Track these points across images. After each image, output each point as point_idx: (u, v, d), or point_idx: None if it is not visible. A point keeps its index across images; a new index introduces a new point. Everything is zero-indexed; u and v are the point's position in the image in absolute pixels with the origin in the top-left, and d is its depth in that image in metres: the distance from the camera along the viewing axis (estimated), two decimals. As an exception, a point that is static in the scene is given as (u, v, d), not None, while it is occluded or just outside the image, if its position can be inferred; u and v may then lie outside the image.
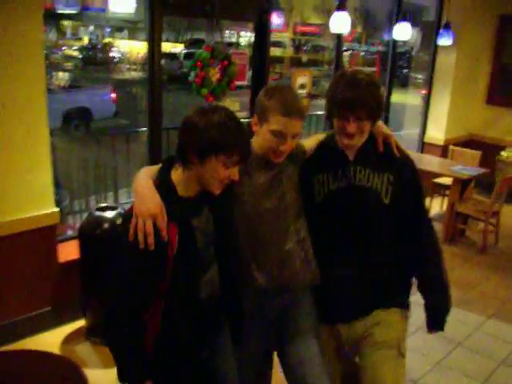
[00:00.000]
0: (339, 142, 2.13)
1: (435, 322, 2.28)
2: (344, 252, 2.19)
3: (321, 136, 2.30)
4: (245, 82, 4.86)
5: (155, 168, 1.91)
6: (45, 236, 3.54)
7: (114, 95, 11.93)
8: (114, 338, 1.85)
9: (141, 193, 1.78)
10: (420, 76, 18.52)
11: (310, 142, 2.28)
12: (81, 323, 3.72)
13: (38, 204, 3.47)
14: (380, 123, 2.20)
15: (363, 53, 24.69)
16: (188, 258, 1.80)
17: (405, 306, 2.28)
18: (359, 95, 1.99)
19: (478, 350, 3.78)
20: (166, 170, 1.84)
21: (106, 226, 3.36)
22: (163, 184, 1.81)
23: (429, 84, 7.26)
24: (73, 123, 10.99)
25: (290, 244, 2.11)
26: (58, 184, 5.03)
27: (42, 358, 2.37)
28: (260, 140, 2.04)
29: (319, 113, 7.16)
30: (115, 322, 1.83)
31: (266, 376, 2.38)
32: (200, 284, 1.89)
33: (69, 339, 3.60)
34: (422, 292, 2.27)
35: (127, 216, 1.78)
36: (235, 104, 4.71)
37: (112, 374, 3.03)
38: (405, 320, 2.27)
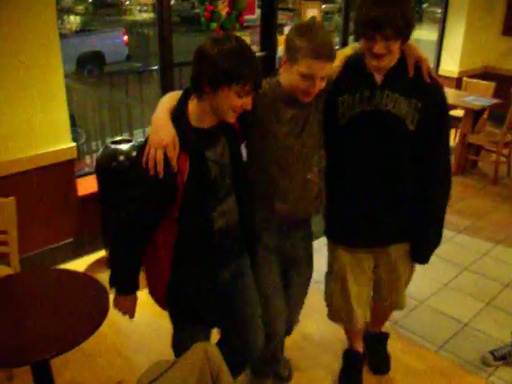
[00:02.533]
0: (368, 64, 2.07)
1: (420, 256, 2.42)
2: (364, 179, 2.22)
3: (348, 52, 2.23)
4: (254, 16, 4.83)
5: (178, 95, 1.94)
6: (64, 170, 3.68)
7: (125, 38, 11.84)
8: (113, 245, 2.05)
9: (156, 123, 1.86)
10: (439, 10, 17.85)
11: (335, 63, 2.17)
12: (101, 253, 3.90)
13: (56, 140, 3.59)
14: (413, 45, 2.11)
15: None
16: (200, 187, 1.88)
17: None
18: (385, 12, 1.88)
19: (485, 274, 3.90)
20: (184, 101, 1.88)
21: (121, 158, 3.47)
22: (178, 115, 1.86)
23: (443, 15, 7.11)
24: (86, 68, 10.98)
25: (310, 173, 2.17)
26: (74, 124, 5.14)
27: (70, 275, 2.55)
28: (289, 79, 2.01)
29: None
30: (118, 231, 1.98)
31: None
32: (214, 213, 1.96)
33: (90, 268, 3.78)
34: (417, 226, 2.33)
35: (141, 146, 1.87)
36: (245, 38, 4.69)
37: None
38: None
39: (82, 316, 2.22)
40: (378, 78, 2.09)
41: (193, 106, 1.86)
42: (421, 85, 2.08)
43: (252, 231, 2.17)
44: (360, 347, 2.85)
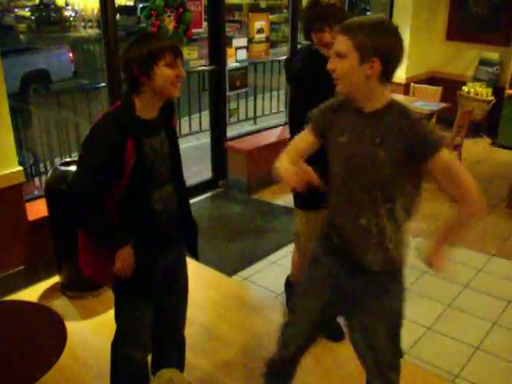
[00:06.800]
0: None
1: None
2: None
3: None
4: (202, 29, 4.80)
5: None
6: (11, 195, 3.53)
7: (71, 55, 11.60)
8: (81, 218, 2.13)
9: None
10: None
11: None
12: (55, 279, 3.76)
13: (2, 164, 3.45)
14: None
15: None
16: (140, 171, 2.06)
17: None
18: (326, 10, 2.66)
19: (444, 276, 3.90)
20: (129, 94, 2.09)
21: (71, 180, 3.34)
22: (125, 103, 2.08)
23: (388, 23, 7.25)
24: (31, 87, 10.68)
25: (365, 219, 1.93)
26: (20, 146, 4.97)
27: (24, 306, 2.43)
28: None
29: (281, 58, 7.07)
30: (80, 202, 2.08)
31: None
32: (153, 197, 2.14)
33: (45, 295, 3.64)
34: None
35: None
36: (194, 52, 4.66)
37: (89, 325, 3.11)
38: None
39: (40, 349, 2.12)
40: None
41: (137, 100, 2.07)
42: None
43: (189, 219, 2.35)
44: None
